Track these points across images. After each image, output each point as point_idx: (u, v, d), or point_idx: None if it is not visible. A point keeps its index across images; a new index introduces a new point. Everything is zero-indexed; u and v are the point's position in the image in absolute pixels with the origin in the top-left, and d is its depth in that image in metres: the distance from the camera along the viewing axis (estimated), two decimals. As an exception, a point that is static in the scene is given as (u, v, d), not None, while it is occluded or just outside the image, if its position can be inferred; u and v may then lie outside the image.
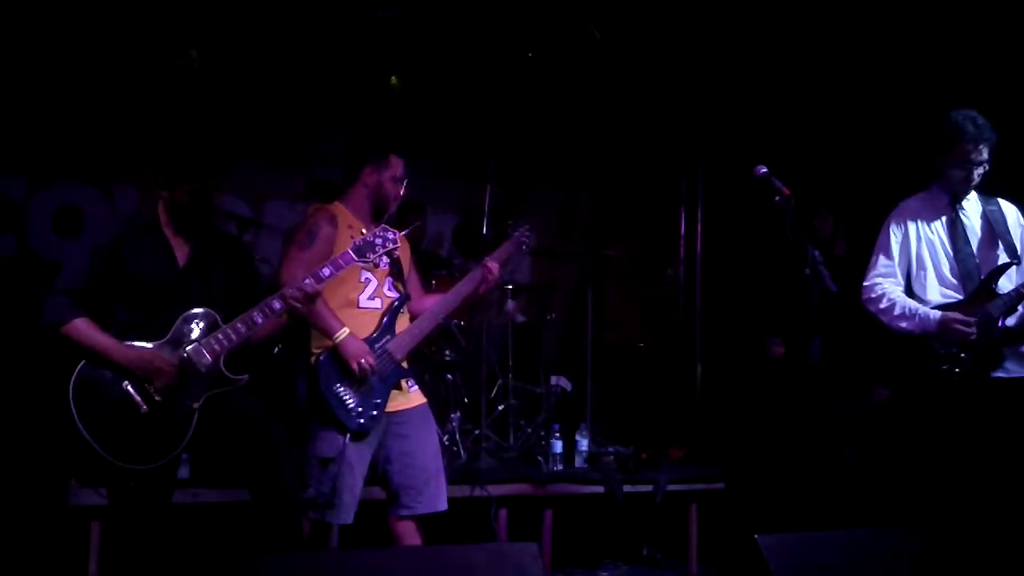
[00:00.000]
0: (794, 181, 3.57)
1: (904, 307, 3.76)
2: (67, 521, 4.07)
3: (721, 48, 6.03)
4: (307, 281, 3.15)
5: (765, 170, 3.55)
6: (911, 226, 3.84)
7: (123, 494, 3.11)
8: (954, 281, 3.75)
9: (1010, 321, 3.62)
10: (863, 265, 4.49)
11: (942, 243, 3.78)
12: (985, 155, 3.67)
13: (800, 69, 5.75)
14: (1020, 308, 3.61)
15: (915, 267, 3.83)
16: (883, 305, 3.81)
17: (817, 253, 3.52)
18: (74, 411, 2.97)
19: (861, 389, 4.86)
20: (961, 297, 3.72)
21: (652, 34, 5.95)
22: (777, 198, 3.48)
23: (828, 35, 5.50)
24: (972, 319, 3.62)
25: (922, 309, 3.73)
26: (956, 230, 3.76)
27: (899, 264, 3.84)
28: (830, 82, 5.64)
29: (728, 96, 6.29)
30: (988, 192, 3.81)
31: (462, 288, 3.79)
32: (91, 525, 4.02)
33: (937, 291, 3.78)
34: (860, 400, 4.86)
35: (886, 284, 3.83)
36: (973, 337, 3.60)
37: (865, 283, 3.90)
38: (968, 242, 3.74)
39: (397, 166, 3.66)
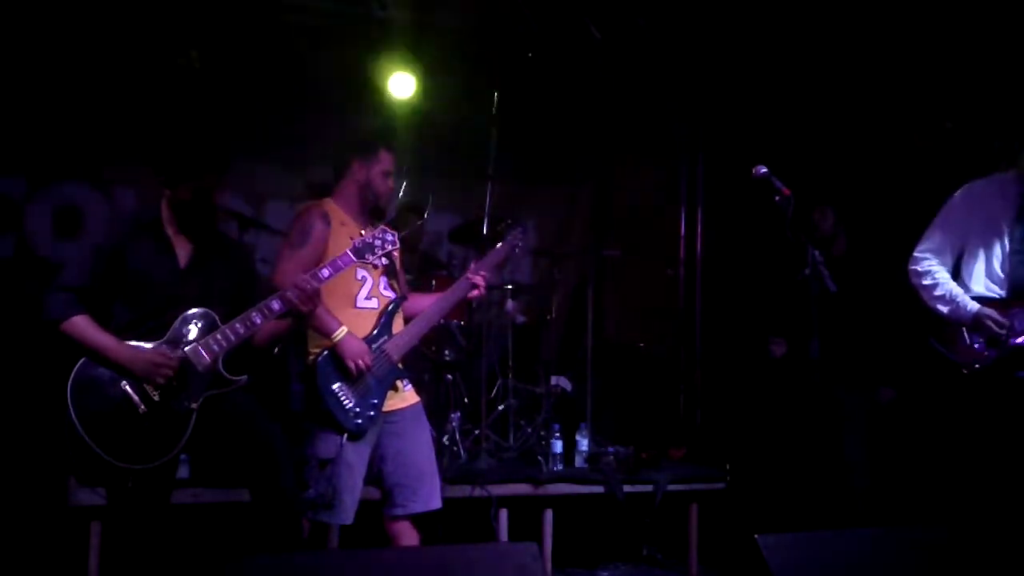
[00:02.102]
0: (796, 178, 3.56)
1: (947, 291, 3.75)
2: (67, 521, 4.07)
3: (721, 48, 6.02)
4: (306, 281, 3.15)
5: (765, 170, 3.55)
6: (974, 209, 3.78)
7: (122, 494, 3.11)
8: (1001, 276, 3.71)
9: None
10: (864, 265, 4.48)
11: (1000, 236, 3.71)
12: None
13: (801, 68, 5.75)
14: None
15: (967, 252, 3.79)
16: (927, 282, 3.80)
17: (817, 253, 3.52)
18: (72, 410, 2.97)
19: (865, 387, 4.85)
20: (1004, 295, 3.69)
21: (652, 34, 5.95)
22: (777, 198, 3.49)
23: (828, 34, 5.49)
24: (1006, 322, 3.60)
25: (961, 298, 3.71)
26: (1018, 227, 3.70)
27: (952, 244, 3.81)
28: (831, 81, 5.64)
29: (728, 96, 6.28)
30: None
31: (456, 291, 3.80)
32: (91, 525, 4.02)
33: (982, 283, 3.75)
34: (864, 398, 4.85)
35: (934, 262, 3.82)
36: (1003, 339, 3.59)
37: (915, 252, 3.88)
38: None
39: (387, 160, 3.64)
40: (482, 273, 3.82)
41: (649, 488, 4.89)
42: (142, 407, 3.03)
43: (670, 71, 6.34)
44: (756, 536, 2.66)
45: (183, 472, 4.03)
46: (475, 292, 3.82)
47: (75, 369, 3.02)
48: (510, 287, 5.58)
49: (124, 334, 3.09)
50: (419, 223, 5.20)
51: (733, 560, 4.84)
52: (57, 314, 3.06)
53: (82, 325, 3.05)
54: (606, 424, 5.68)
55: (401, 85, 6.09)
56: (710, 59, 6.15)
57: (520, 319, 6.02)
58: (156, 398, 3.05)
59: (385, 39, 5.92)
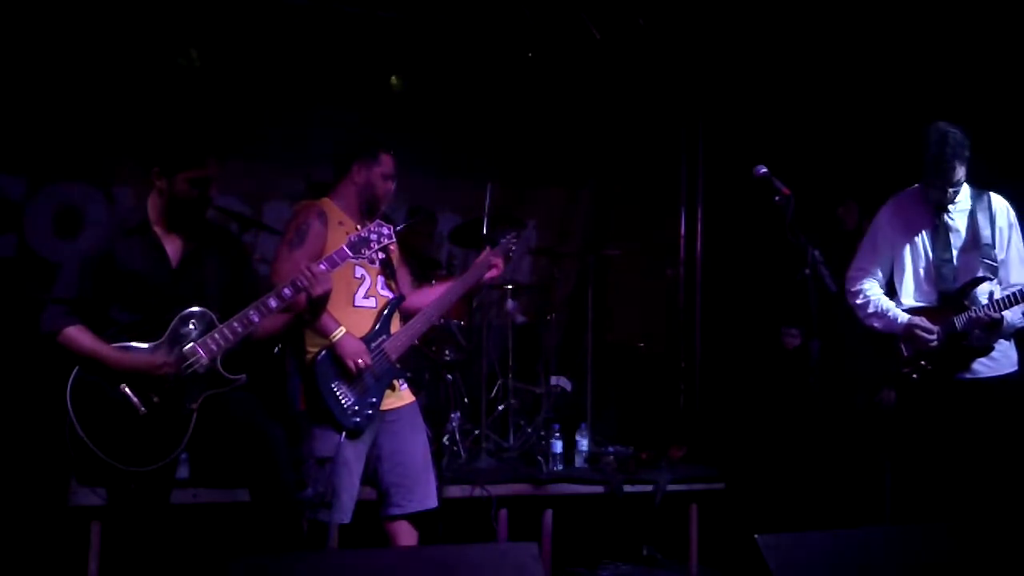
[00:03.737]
0: (819, 174, 3.54)
1: (877, 306, 3.81)
2: (67, 521, 4.07)
3: (722, 47, 6.03)
4: (314, 265, 3.12)
5: (765, 170, 3.56)
6: (897, 224, 3.84)
7: (123, 495, 3.11)
8: (928, 287, 3.76)
9: (972, 339, 3.62)
10: None
11: (924, 246, 3.77)
12: (953, 176, 3.62)
13: (803, 67, 5.74)
14: (977, 331, 3.60)
15: (896, 265, 3.85)
16: (859, 301, 3.87)
17: (817, 253, 3.52)
18: (72, 414, 2.97)
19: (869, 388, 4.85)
20: (933, 303, 3.73)
21: (652, 34, 5.95)
22: (777, 198, 3.49)
23: (829, 34, 5.49)
24: (935, 328, 3.65)
25: (892, 310, 3.77)
26: (938, 235, 3.74)
27: (881, 259, 3.87)
28: (834, 79, 5.63)
29: (729, 96, 6.28)
30: (983, 185, 3.76)
31: (456, 288, 3.81)
32: (91, 525, 4.02)
33: (911, 294, 3.81)
34: (866, 398, 4.84)
35: (866, 278, 3.88)
36: (933, 346, 3.63)
37: (848, 272, 3.95)
38: (949, 247, 3.73)
39: (387, 163, 3.65)
40: (498, 258, 3.83)
41: (649, 488, 4.89)
42: (142, 409, 3.03)
43: (670, 71, 6.34)
44: (756, 536, 2.66)
45: (183, 472, 4.02)
46: (493, 272, 3.82)
47: (74, 372, 3.02)
48: (510, 287, 5.59)
49: (123, 337, 3.08)
50: (417, 218, 5.21)
51: (733, 560, 4.84)
52: (51, 327, 3.05)
53: (76, 336, 3.05)
54: (606, 424, 5.69)
55: (400, 85, 6.09)
56: (710, 59, 6.15)
57: (520, 319, 6.02)
58: (156, 399, 3.05)
59: (385, 39, 5.92)
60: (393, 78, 6.26)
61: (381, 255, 3.48)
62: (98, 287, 3.10)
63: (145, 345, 3.08)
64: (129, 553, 3.13)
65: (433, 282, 5.15)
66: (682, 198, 6.72)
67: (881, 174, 5.27)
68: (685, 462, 5.39)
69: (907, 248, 3.80)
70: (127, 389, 3.02)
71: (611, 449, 5.22)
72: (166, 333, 3.10)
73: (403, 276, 3.87)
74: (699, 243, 6.57)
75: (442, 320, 5.06)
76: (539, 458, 4.96)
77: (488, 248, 3.93)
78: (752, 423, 5.55)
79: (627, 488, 4.84)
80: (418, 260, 5.60)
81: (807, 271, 3.51)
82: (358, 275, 3.58)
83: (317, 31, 5.84)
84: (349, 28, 5.86)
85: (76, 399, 2.99)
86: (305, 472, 3.46)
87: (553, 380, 5.70)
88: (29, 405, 4.66)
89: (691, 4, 5.82)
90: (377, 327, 3.58)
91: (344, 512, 3.47)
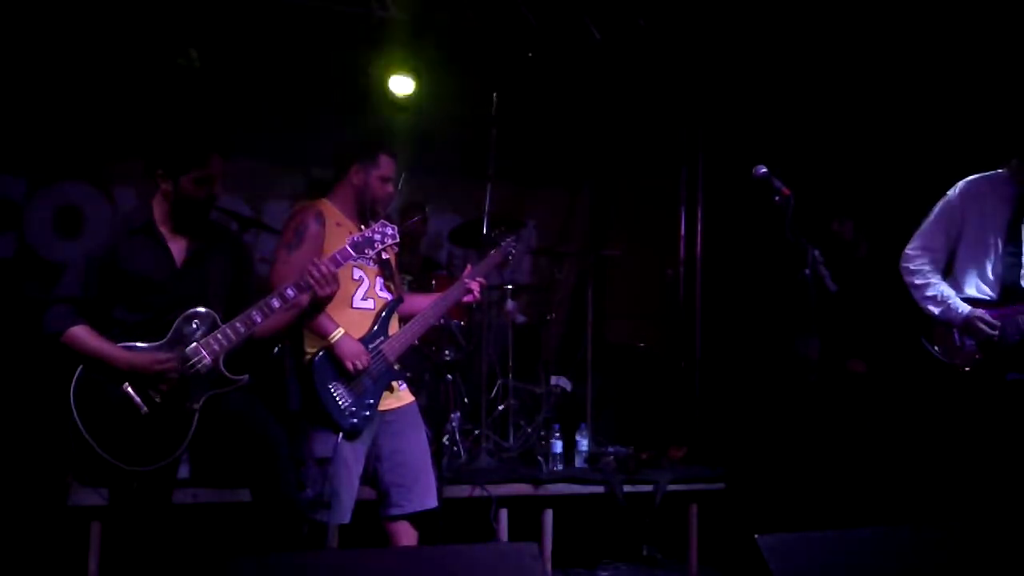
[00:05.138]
0: (808, 182, 3.53)
1: (938, 292, 3.73)
2: (67, 521, 4.07)
3: (722, 48, 6.02)
4: (323, 263, 3.12)
5: (765, 170, 3.55)
6: (972, 206, 3.75)
7: (124, 494, 3.11)
8: (992, 278, 3.70)
9: None
10: (885, 267, 4.47)
11: (994, 238, 3.69)
12: None
13: (803, 68, 5.75)
14: None
15: (959, 251, 3.77)
16: (918, 281, 3.79)
17: (817, 253, 3.51)
18: (75, 413, 2.96)
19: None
20: (994, 297, 3.69)
21: (652, 34, 5.95)
22: (777, 198, 3.48)
23: (829, 34, 5.49)
24: (998, 323, 3.59)
25: (953, 299, 3.69)
26: (1011, 230, 3.68)
27: (946, 242, 3.79)
28: (834, 80, 5.63)
29: (729, 96, 6.28)
30: None
31: (451, 295, 3.83)
32: (91, 525, 4.02)
33: (974, 285, 3.73)
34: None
35: (926, 260, 3.79)
36: (995, 341, 3.58)
37: (908, 250, 3.86)
38: (1021, 242, 3.66)
39: (386, 166, 3.64)
40: (478, 279, 3.86)
41: (649, 488, 4.89)
42: (144, 409, 3.02)
43: (670, 71, 6.34)
44: (756, 536, 2.66)
45: (183, 472, 4.02)
46: (469, 297, 3.87)
47: (77, 372, 3.02)
48: (510, 287, 5.59)
49: (127, 337, 3.08)
50: (416, 218, 5.21)
51: (733, 560, 4.84)
52: (55, 327, 3.05)
53: (81, 335, 3.04)
54: (606, 424, 5.69)
55: (401, 85, 6.09)
56: (710, 59, 6.15)
57: (520, 319, 6.02)
58: (158, 399, 3.04)
59: (385, 39, 5.92)
60: (393, 78, 6.25)
61: (385, 255, 3.48)
62: (102, 287, 3.10)
63: (148, 345, 3.07)
64: (129, 553, 3.12)
65: (433, 282, 5.18)
66: (682, 198, 6.71)
67: (879, 178, 5.30)
68: (685, 462, 5.39)
69: (976, 235, 3.71)
70: (130, 389, 3.02)
71: (611, 449, 5.22)
72: (169, 333, 3.10)
73: (395, 280, 3.88)
74: (699, 243, 6.57)
75: (442, 320, 5.06)
76: (539, 458, 4.96)
77: (470, 267, 3.97)
78: (752, 423, 5.55)
79: (627, 488, 4.84)
80: (418, 259, 5.60)
81: (807, 271, 3.51)
82: (356, 276, 3.58)
83: (317, 31, 5.84)
84: (349, 28, 5.86)
85: (80, 399, 2.98)
86: (304, 473, 3.46)
87: (553, 380, 5.70)
88: (28, 405, 4.66)
89: (692, 6, 5.82)
90: (375, 328, 3.58)
91: (344, 512, 3.48)
